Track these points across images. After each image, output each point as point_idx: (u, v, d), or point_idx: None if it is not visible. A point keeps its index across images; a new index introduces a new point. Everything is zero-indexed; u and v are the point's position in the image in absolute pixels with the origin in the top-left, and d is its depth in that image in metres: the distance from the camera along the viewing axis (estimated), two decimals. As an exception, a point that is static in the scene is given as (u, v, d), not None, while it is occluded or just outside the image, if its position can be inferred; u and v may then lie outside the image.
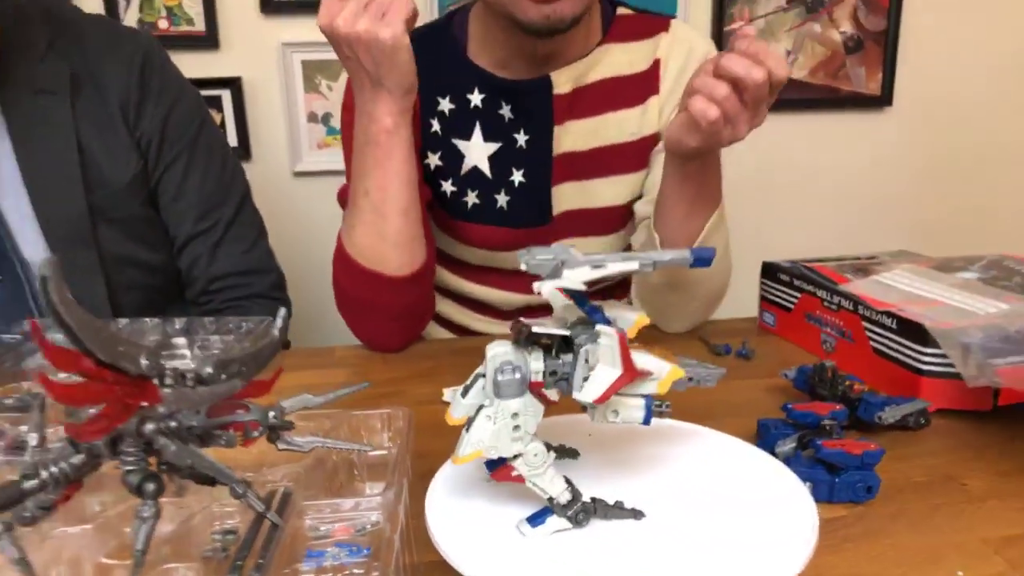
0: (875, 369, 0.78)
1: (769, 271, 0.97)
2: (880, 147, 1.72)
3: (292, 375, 0.67)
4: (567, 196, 1.04)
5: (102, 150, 0.97)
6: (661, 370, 0.45)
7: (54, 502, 0.42)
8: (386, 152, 0.87)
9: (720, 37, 1.55)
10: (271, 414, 0.45)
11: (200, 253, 1.05)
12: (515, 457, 0.45)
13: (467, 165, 1.03)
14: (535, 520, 0.46)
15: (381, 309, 0.93)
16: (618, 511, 0.46)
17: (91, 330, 0.38)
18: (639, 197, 1.05)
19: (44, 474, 0.40)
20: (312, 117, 1.51)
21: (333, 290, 0.97)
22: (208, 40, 1.44)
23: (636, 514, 0.46)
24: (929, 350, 0.72)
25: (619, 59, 1.01)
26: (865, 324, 0.79)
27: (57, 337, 0.40)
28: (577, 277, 0.44)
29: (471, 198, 1.04)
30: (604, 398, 0.43)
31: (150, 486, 0.40)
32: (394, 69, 0.82)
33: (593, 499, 0.46)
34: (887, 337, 0.77)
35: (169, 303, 1.09)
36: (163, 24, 1.42)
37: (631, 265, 0.45)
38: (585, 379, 0.44)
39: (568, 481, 0.46)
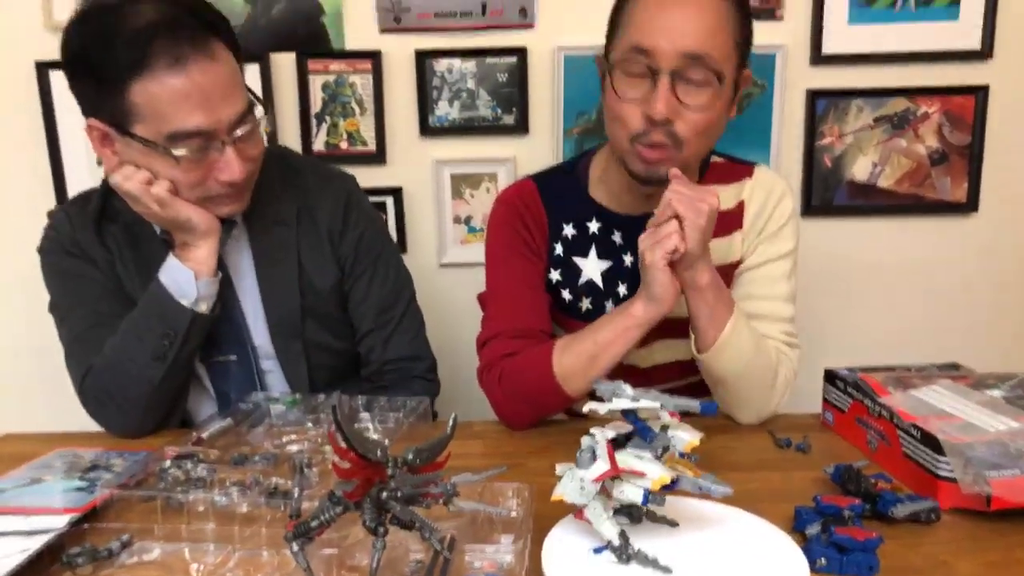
0: (905, 470, 0.97)
1: (829, 377, 1.17)
2: (965, 251, 1.83)
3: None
4: None
5: (313, 265, 1.28)
6: (654, 475, 0.69)
7: (315, 534, 0.70)
8: (623, 331, 1.12)
9: (811, 152, 1.75)
10: (448, 487, 0.72)
11: (376, 343, 1.34)
12: (584, 506, 0.70)
13: (583, 278, 1.29)
14: (598, 551, 0.70)
15: (539, 407, 1.20)
16: (653, 563, 0.69)
17: (354, 434, 0.66)
18: None
19: (321, 517, 0.68)
20: (456, 219, 1.82)
21: (505, 375, 1.21)
22: (378, 157, 1.78)
23: (665, 569, 0.69)
24: (943, 458, 0.90)
25: None
26: (898, 432, 0.98)
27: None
28: (617, 405, 0.71)
29: (585, 303, 1.30)
30: (597, 480, 0.70)
31: (381, 529, 0.67)
32: (648, 282, 1.10)
33: (638, 550, 0.70)
34: (913, 445, 0.95)
35: (348, 379, 1.38)
36: (344, 145, 1.78)
37: (655, 404, 0.70)
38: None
39: (623, 534, 0.70)
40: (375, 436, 1.07)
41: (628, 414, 0.72)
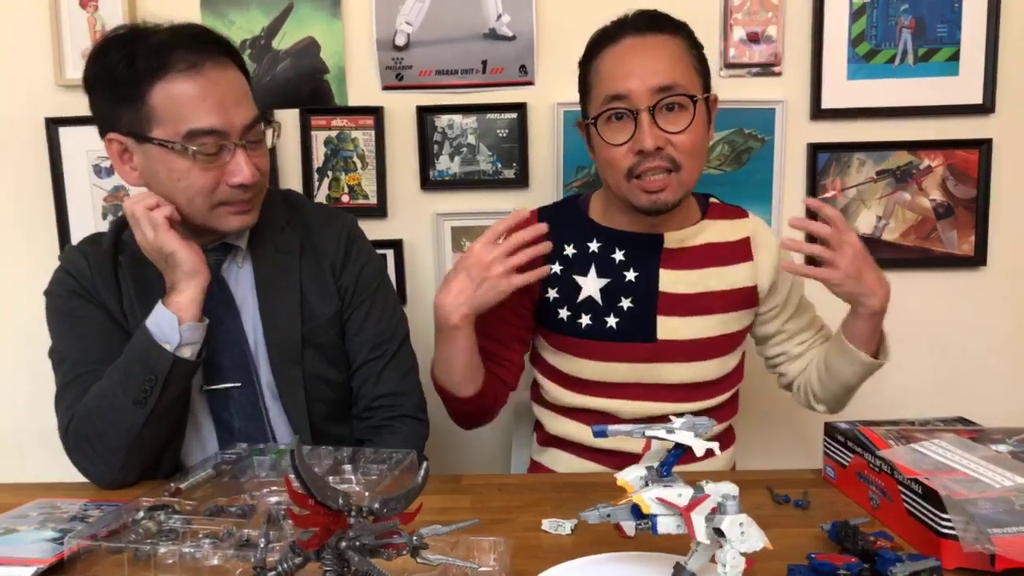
0: (908, 527, 0.92)
1: (829, 431, 1.13)
2: (975, 306, 1.79)
3: (427, 498, 0.76)
4: (672, 327, 1.31)
5: (314, 294, 1.31)
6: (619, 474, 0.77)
7: (277, 586, 0.67)
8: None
9: (812, 206, 1.74)
10: (414, 538, 0.69)
11: (368, 376, 1.34)
12: None
13: (583, 295, 1.33)
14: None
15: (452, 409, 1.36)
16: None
17: (313, 480, 0.63)
18: (737, 331, 1.36)
19: (279, 568, 0.65)
20: (456, 271, 1.81)
21: None
22: (379, 210, 1.78)
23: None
24: (946, 516, 0.85)
25: (717, 231, 1.36)
26: (899, 487, 0.94)
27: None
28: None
29: (585, 320, 1.33)
30: None
31: (340, 582, 0.64)
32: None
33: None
34: (915, 501, 0.91)
35: (345, 416, 1.37)
36: (345, 198, 1.79)
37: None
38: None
39: None
40: (357, 488, 1.04)
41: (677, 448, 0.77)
